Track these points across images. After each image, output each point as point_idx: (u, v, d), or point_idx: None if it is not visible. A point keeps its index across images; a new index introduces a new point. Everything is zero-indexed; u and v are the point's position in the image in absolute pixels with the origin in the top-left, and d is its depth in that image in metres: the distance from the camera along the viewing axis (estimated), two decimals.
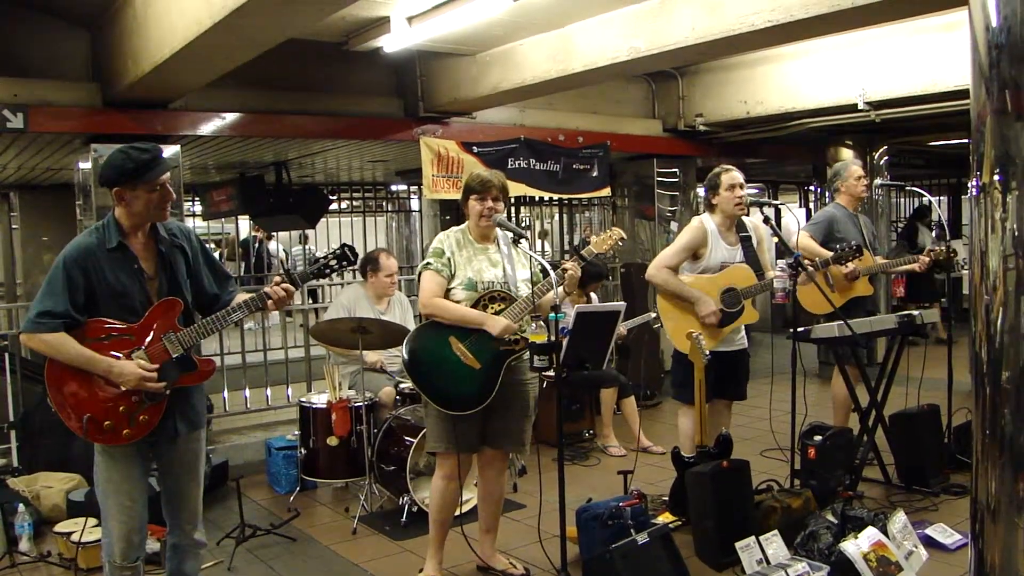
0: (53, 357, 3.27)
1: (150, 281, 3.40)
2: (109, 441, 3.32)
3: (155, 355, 3.33)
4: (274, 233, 14.41)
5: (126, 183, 3.28)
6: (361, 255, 6.32)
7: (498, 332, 4.12)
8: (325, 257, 3.70)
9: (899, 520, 4.49)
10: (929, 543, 4.61)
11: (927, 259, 6.16)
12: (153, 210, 3.35)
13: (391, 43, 6.10)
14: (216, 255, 15.43)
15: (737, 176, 5.23)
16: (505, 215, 4.33)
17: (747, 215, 5.33)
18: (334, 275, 3.76)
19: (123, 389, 3.28)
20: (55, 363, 3.29)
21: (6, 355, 6.22)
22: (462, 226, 4.43)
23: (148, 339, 3.33)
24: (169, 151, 6.36)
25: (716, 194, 5.26)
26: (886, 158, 10.30)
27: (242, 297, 3.54)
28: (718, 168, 5.31)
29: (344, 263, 3.71)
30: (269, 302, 3.48)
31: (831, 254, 5.57)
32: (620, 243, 4.56)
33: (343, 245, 3.74)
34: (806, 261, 5.23)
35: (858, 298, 5.98)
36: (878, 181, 10.00)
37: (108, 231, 3.35)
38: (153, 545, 4.59)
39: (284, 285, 3.50)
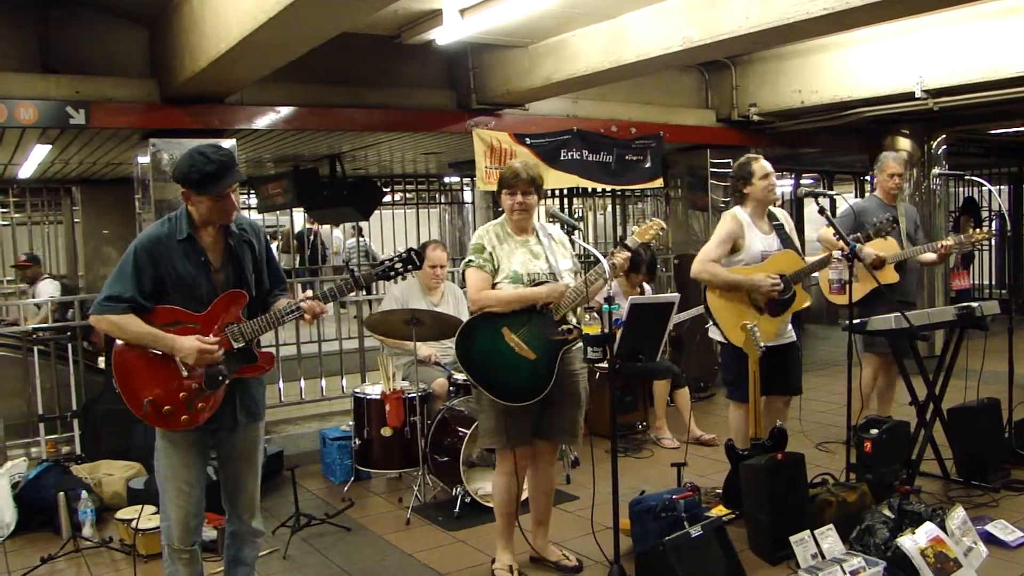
0: (120, 337, 3.38)
1: (216, 273, 3.48)
2: (167, 426, 3.41)
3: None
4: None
5: (192, 189, 3.36)
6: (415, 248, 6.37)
7: (556, 297, 4.15)
8: (391, 259, 3.74)
9: (958, 516, 4.42)
10: (989, 540, 4.53)
11: (949, 244, 6.04)
12: (216, 216, 3.43)
13: (443, 35, 6.11)
14: (275, 246, 15.38)
15: (767, 165, 5.21)
16: (558, 206, 4.34)
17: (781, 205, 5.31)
18: (398, 278, 3.78)
19: (184, 376, 3.36)
20: (120, 348, 3.40)
21: (70, 346, 6.37)
22: (500, 219, 4.45)
23: (212, 329, 3.41)
24: (225, 145, 6.44)
25: (748, 183, 5.19)
26: (944, 147, 10.09)
27: (283, 301, 3.63)
28: (745, 158, 5.29)
29: (409, 267, 3.74)
30: (305, 316, 3.53)
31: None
32: (661, 232, 4.59)
33: (410, 249, 3.77)
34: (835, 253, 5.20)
35: (891, 287, 5.84)
36: (936, 171, 9.83)
37: (179, 222, 3.44)
38: (210, 533, 4.67)
39: (316, 303, 3.54)
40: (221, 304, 3.44)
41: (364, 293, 8.73)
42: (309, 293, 3.58)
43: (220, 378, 3.42)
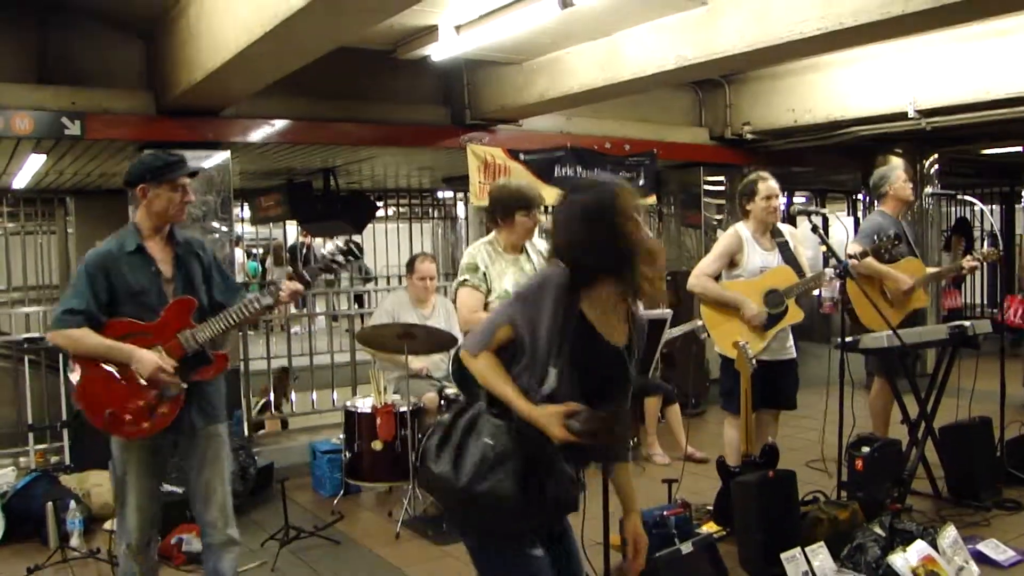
0: (75, 351, 3.44)
1: (167, 283, 3.56)
2: (131, 435, 3.46)
3: (171, 351, 3.46)
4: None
5: (152, 180, 3.47)
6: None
7: None
8: (331, 254, 3.81)
9: (949, 535, 4.42)
10: (981, 559, 4.52)
11: (975, 263, 6.06)
12: (173, 209, 3.53)
13: (439, 51, 6.14)
14: (269, 261, 15.53)
15: (773, 186, 5.23)
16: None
17: (780, 221, 5.32)
18: (342, 271, 3.90)
19: (143, 384, 3.41)
20: (77, 362, 3.45)
21: (60, 355, 6.35)
22: (489, 237, 4.42)
23: (165, 337, 3.47)
24: (220, 157, 6.47)
25: (751, 201, 5.26)
26: (936, 167, 10.14)
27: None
28: (754, 176, 5.32)
29: (350, 258, 3.81)
30: (281, 294, 3.59)
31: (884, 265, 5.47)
32: None
33: (348, 240, 3.87)
34: (854, 263, 5.19)
35: (917, 311, 5.87)
36: (928, 190, 9.87)
37: (127, 236, 3.54)
38: (196, 544, 4.65)
39: (294, 283, 3.63)
40: (172, 311, 3.50)
41: (356, 307, 8.73)
42: (288, 273, 3.68)
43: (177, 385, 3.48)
